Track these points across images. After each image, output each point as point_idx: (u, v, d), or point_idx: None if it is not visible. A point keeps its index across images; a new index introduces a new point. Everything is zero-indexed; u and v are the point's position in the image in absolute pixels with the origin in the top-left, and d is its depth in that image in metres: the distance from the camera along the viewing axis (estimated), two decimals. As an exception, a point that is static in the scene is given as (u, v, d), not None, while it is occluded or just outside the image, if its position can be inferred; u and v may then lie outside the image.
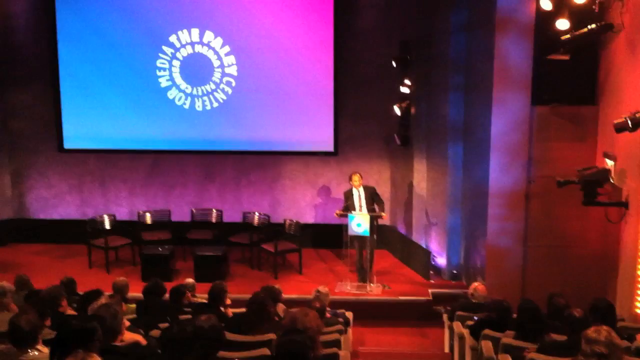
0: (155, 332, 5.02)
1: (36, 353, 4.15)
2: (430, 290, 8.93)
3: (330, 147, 11.15)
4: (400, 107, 10.18)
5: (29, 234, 11.41)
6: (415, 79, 9.95)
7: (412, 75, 9.97)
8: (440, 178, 9.59)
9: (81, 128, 11.35)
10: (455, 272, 9.43)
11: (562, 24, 6.97)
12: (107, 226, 10.30)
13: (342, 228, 9.23)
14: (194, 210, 10.97)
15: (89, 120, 11.31)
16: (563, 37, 7.07)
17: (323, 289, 6.13)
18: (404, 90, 10.04)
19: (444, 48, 9.32)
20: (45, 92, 11.32)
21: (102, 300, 5.04)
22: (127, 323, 4.62)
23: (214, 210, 10.89)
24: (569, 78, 7.77)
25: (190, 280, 7.65)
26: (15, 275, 6.53)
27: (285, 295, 6.80)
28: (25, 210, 11.66)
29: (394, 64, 10.05)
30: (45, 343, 4.30)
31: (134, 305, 6.37)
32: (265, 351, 4.49)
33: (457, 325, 6.14)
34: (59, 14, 11.07)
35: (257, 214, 10.59)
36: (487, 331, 5.30)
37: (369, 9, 10.86)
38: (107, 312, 4.39)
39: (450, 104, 9.27)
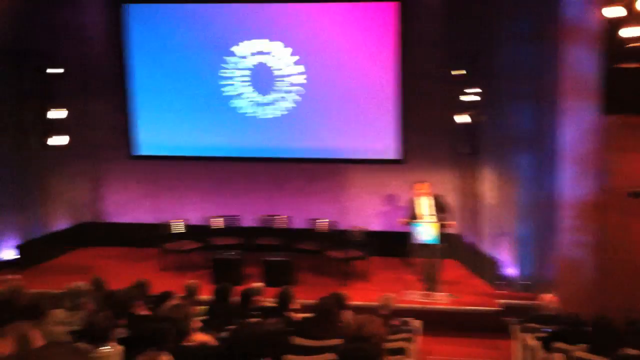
0: (225, 334, 5.13)
1: (110, 349, 4.32)
2: (499, 301, 8.76)
3: (396, 156, 11.16)
4: (467, 116, 10.06)
5: (105, 237, 11.91)
6: (483, 87, 9.82)
7: (477, 84, 9.85)
8: (509, 188, 9.41)
9: (154, 136, 11.78)
10: (525, 283, 9.21)
11: (631, 31, 6.76)
12: (180, 230, 10.60)
13: (409, 236, 9.19)
14: (263, 217, 11.14)
15: (161, 129, 11.74)
16: (632, 45, 6.86)
17: (389, 296, 6.12)
18: (469, 99, 9.93)
19: (512, 56, 9.15)
20: (120, 101, 11.77)
21: (174, 301, 5.19)
22: (198, 324, 4.75)
23: (282, 217, 11.04)
24: (640, 87, 7.53)
25: (259, 284, 7.74)
26: (92, 277, 6.78)
27: (351, 303, 6.81)
28: (102, 214, 12.16)
29: (463, 72, 9.94)
30: (120, 341, 4.48)
31: (204, 307, 6.51)
32: (331, 356, 4.52)
33: (529, 337, 6.02)
34: (131, 26, 11.55)
35: (324, 221, 10.67)
36: (559, 344, 5.18)
37: (432, 19, 10.80)
38: (178, 313, 4.54)
39: (520, 113, 9.09)
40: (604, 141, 7.78)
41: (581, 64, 7.69)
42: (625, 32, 6.71)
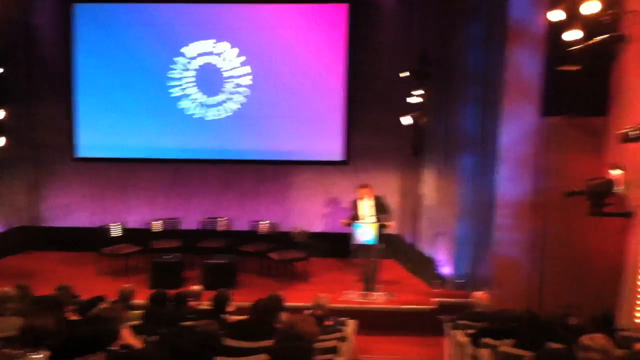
0: (155, 338, 5.06)
1: (40, 356, 4.20)
2: (435, 300, 8.89)
3: (341, 157, 11.23)
4: (413, 117, 10.17)
5: (44, 241, 11.61)
6: (432, 90, 9.96)
7: (428, 87, 9.98)
8: (450, 188, 9.57)
9: (97, 137, 11.56)
10: (461, 281, 9.37)
11: (573, 34, 6.95)
12: (118, 234, 10.41)
13: (350, 237, 9.25)
14: (204, 219, 11.04)
15: (105, 130, 11.52)
16: (574, 48, 7.06)
17: (323, 296, 6.14)
18: (414, 100, 10.05)
19: (461, 60, 9.31)
20: (65, 103, 11.52)
21: (104, 305, 5.10)
22: (127, 328, 4.67)
23: (224, 219, 10.97)
24: (580, 89, 7.69)
25: (196, 287, 7.68)
26: (16, 284, 6.50)
27: (290, 304, 6.81)
28: (41, 218, 11.84)
29: (401, 75, 10.06)
30: (49, 348, 4.36)
31: (139, 312, 6.41)
32: (264, 357, 4.50)
33: (459, 334, 6.12)
34: (78, 26, 11.33)
35: (266, 222, 10.65)
36: (486, 340, 5.29)
37: (385, 23, 10.95)
38: (107, 316, 4.45)
39: (465, 115, 9.25)
40: (544, 142, 7.97)
41: (525, 67, 7.86)
42: (567, 36, 6.89)
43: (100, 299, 5.80)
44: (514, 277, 8.15)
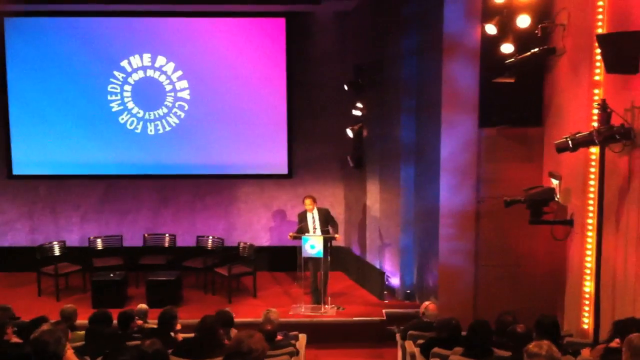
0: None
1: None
2: (384, 311, 8.95)
3: (284, 170, 11.21)
4: (352, 130, 10.31)
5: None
6: (368, 102, 10.09)
7: (365, 98, 10.11)
8: (393, 199, 9.69)
9: (31, 154, 11.20)
10: (409, 292, 9.49)
11: (507, 48, 7.18)
12: (57, 253, 10.12)
13: (297, 250, 9.24)
14: (147, 236, 10.84)
15: (39, 146, 11.18)
16: (508, 61, 7.27)
17: (272, 311, 6.09)
18: (357, 113, 10.17)
19: (396, 72, 9.49)
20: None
21: (46, 326, 4.91)
22: (70, 349, 4.52)
23: (167, 235, 10.80)
24: (515, 100, 7.89)
25: (142, 306, 7.50)
26: None
27: (238, 319, 6.75)
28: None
29: (346, 87, 10.20)
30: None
31: (82, 333, 6.22)
32: (213, 375, 4.44)
33: (409, 345, 6.18)
34: (7, 39, 10.98)
35: (211, 237, 10.53)
36: (436, 349, 5.35)
37: (322, 34, 11.00)
38: (50, 337, 4.29)
39: (402, 126, 9.42)
40: (481, 152, 8.15)
41: (461, 79, 8.02)
42: (503, 49, 7.10)
43: (42, 319, 5.59)
44: (456, 286, 8.27)
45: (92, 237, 10.58)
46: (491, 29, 7.23)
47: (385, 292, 9.55)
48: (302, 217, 9.40)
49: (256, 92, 11.11)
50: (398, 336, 6.88)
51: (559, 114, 7.47)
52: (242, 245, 10.15)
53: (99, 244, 10.53)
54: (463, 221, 8.25)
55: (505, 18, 7.10)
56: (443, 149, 8.16)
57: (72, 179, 11.29)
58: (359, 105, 10.10)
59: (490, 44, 7.55)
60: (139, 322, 6.69)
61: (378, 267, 9.94)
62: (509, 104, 7.92)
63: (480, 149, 8.14)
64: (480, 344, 5.09)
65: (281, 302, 9.09)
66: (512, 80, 7.60)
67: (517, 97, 7.87)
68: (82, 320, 6.80)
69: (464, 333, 5.48)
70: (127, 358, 4.03)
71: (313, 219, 9.33)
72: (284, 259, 10.52)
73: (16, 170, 11.25)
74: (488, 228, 8.21)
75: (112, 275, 9.47)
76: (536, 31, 7.18)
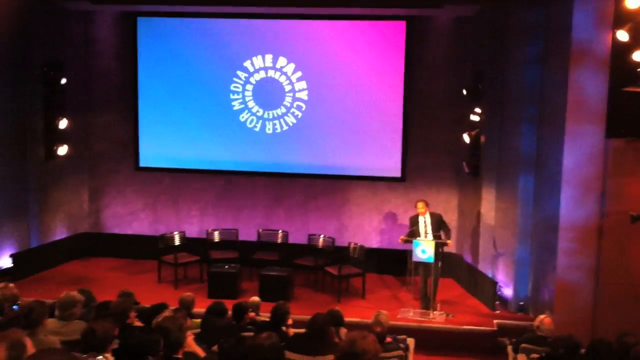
0: (216, 348, 5.13)
1: (102, 360, 4.29)
2: (495, 322, 8.73)
3: (397, 173, 11.18)
4: (470, 136, 10.13)
5: (104, 248, 11.89)
6: (487, 109, 9.88)
7: (484, 105, 9.91)
8: (510, 208, 9.41)
9: (157, 148, 11.82)
10: (522, 304, 9.18)
11: (639, 55, 6.82)
12: (177, 242, 10.60)
13: (407, 254, 9.19)
14: (261, 231, 11.15)
15: (164, 141, 11.77)
16: (640, 69, 6.91)
17: (383, 313, 6.10)
18: (474, 118, 10.00)
19: (518, 79, 9.20)
20: (124, 114, 11.85)
21: (167, 313, 5.17)
22: (191, 336, 4.74)
23: (280, 232, 11.04)
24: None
25: (255, 298, 7.73)
26: (78, 289, 6.60)
27: (347, 319, 6.79)
28: (102, 225, 12.14)
29: (464, 92, 10.05)
30: (113, 353, 4.46)
31: (198, 321, 6.50)
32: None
33: (522, 358, 6.00)
34: (139, 39, 11.64)
35: (322, 236, 10.67)
36: (552, 366, 5.17)
37: (441, 40, 10.92)
38: (172, 324, 4.52)
39: (523, 135, 9.11)
40: (607, 165, 7.78)
41: (588, 87, 7.72)
42: (636, 56, 6.76)
43: (163, 306, 5.89)
44: (574, 302, 7.96)
45: (210, 230, 11.02)
46: (623, 36, 6.91)
47: (497, 303, 9.30)
48: (414, 220, 9.34)
49: (373, 94, 11.16)
50: (510, 348, 6.69)
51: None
52: (352, 245, 10.21)
53: (216, 237, 10.94)
54: (584, 236, 7.92)
55: (638, 24, 6.75)
56: (566, 159, 7.87)
57: (192, 173, 11.80)
58: (477, 110, 9.92)
59: (621, 51, 7.22)
60: (252, 314, 6.90)
61: (490, 276, 9.69)
62: (638, 115, 7.53)
63: (606, 161, 7.77)
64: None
65: (389, 306, 9.05)
66: (644, 90, 7.21)
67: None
68: (198, 309, 7.11)
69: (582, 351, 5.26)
70: (242, 349, 4.16)
71: (425, 223, 9.25)
72: (393, 263, 10.50)
73: (142, 164, 11.91)
74: (611, 244, 7.84)
75: (227, 267, 9.80)
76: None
